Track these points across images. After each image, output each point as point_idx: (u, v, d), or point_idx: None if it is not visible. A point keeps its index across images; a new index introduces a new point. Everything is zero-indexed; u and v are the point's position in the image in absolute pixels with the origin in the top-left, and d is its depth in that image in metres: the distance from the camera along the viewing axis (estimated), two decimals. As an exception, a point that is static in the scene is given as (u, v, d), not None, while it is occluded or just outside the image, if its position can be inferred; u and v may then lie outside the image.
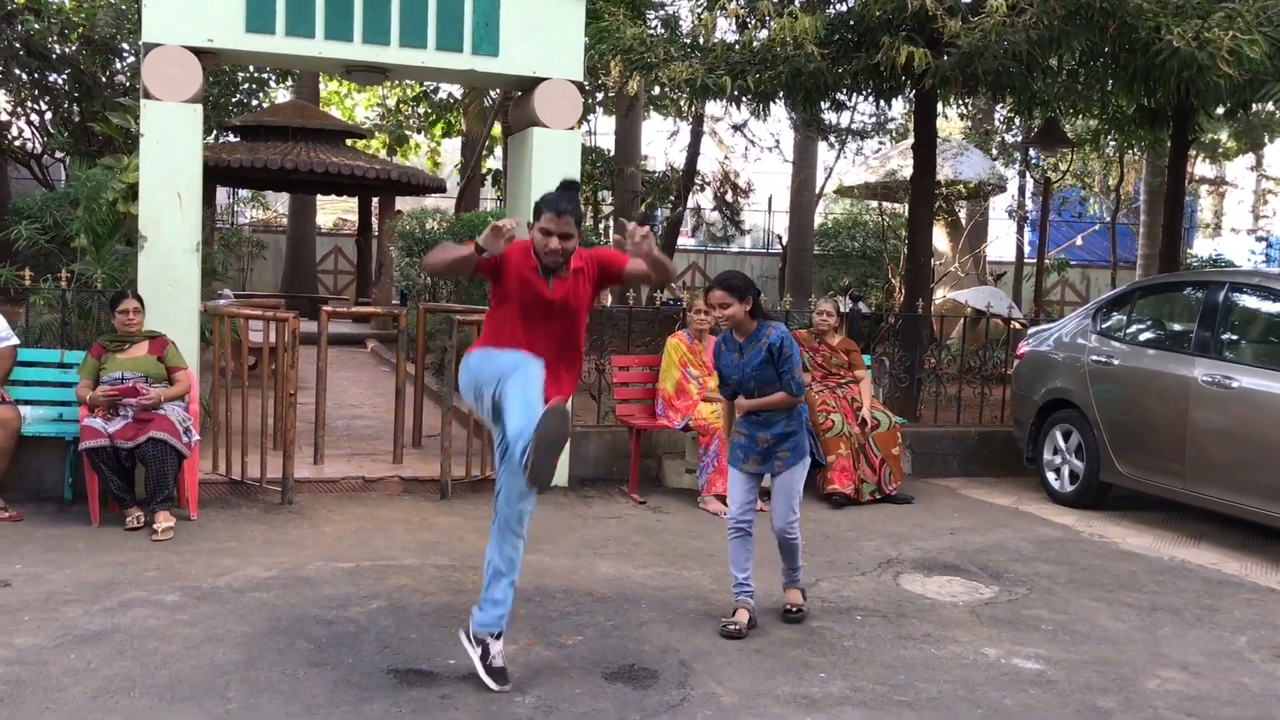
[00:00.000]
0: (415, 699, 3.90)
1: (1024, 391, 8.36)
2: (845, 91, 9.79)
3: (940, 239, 16.58)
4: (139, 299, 6.42)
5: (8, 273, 7.46)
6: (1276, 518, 6.33)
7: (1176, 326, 7.47)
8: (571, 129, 7.41)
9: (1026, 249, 18.69)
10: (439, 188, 17.65)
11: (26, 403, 6.56)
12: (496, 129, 18.27)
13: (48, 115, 14.82)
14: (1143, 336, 7.65)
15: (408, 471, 7.37)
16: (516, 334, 4.11)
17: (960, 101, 10.68)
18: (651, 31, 9.63)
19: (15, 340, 6.58)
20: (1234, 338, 6.92)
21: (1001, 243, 21.98)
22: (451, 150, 27.10)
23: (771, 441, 4.88)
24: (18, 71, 14.08)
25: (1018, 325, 11.54)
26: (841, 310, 8.21)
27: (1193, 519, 7.34)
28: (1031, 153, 16.78)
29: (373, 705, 3.82)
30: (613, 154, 17.99)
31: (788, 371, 4.78)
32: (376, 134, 22.91)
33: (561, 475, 7.44)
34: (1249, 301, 6.98)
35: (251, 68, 15.81)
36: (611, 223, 18.38)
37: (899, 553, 6.28)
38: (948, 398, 9.62)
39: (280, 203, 24.68)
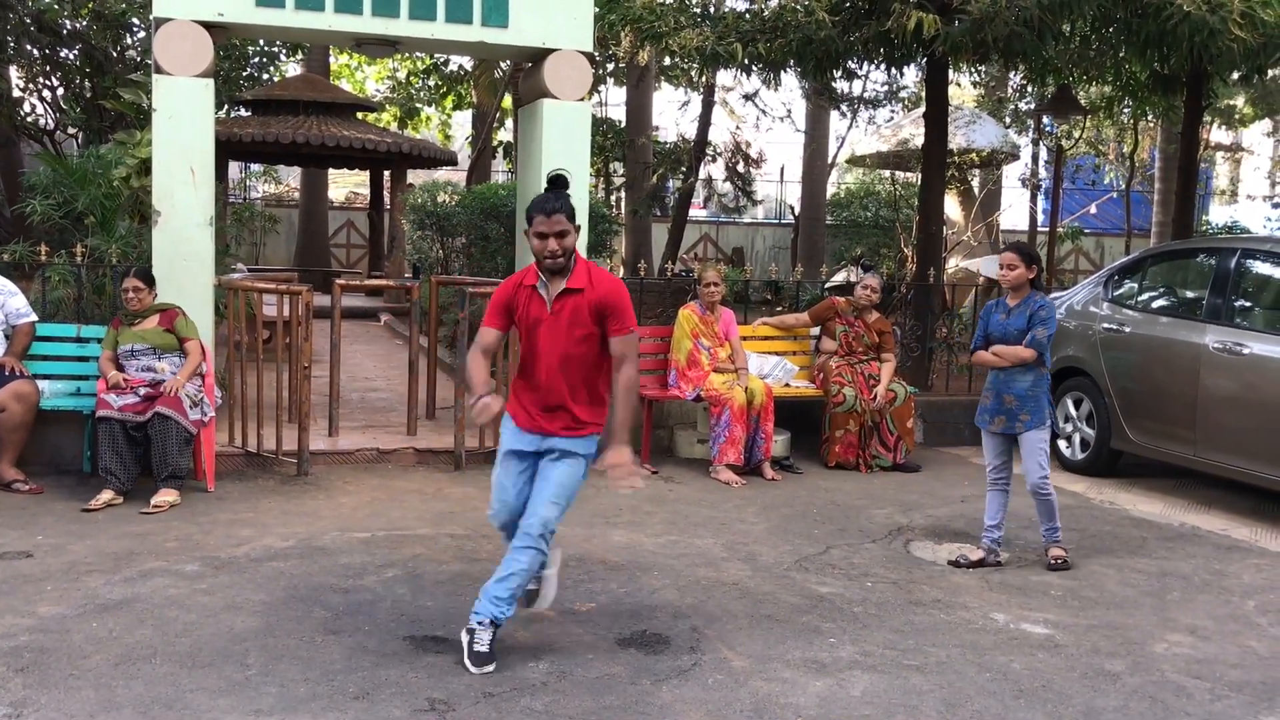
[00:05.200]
0: (430, 665, 3.96)
1: (1035, 360, 8.35)
2: (856, 59, 9.76)
3: (953, 208, 16.53)
4: (141, 277, 6.39)
5: (23, 248, 7.52)
6: (1287, 484, 6.35)
7: (1188, 293, 7.46)
8: (582, 100, 7.41)
9: (1040, 217, 18.61)
10: (450, 160, 17.64)
11: (45, 377, 6.64)
12: (507, 101, 18.26)
13: (60, 91, 14.85)
14: (1154, 304, 7.64)
15: (422, 443, 7.42)
16: (532, 366, 4.09)
17: (972, 69, 10.64)
18: (661, 0, 9.58)
19: (34, 317, 6.65)
20: (1245, 304, 6.91)
21: (1015, 211, 21.89)
22: (462, 123, 27.09)
23: (1015, 402, 5.38)
24: (29, 48, 14.10)
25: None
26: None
27: (1203, 485, 7.36)
28: (1044, 120, 16.67)
29: (389, 671, 3.89)
30: (624, 125, 17.93)
31: (1034, 327, 5.33)
32: (387, 107, 22.87)
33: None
34: (1261, 268, 6.97)
35: (262, 41, 15.81)
36: (624, 194, 18.35)
37: (909, 520, 6.32)
38: (959, 367, 9.63)
39: (292, 177, 24.69)
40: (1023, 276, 5.38)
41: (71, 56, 14.41)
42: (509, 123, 20.24)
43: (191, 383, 6.33)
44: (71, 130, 15.22)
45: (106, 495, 5.95)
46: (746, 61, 8.89)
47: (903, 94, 18.60)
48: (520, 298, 4.09)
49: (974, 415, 8.66)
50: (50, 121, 15.36)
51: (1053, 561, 5.45)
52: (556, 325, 4.01)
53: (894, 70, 11.08)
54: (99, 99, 12.87)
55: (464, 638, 4.00)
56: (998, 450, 5.52)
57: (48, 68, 14.49)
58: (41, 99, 15.28)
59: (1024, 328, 5.36)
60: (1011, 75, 16.55)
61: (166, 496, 5.98)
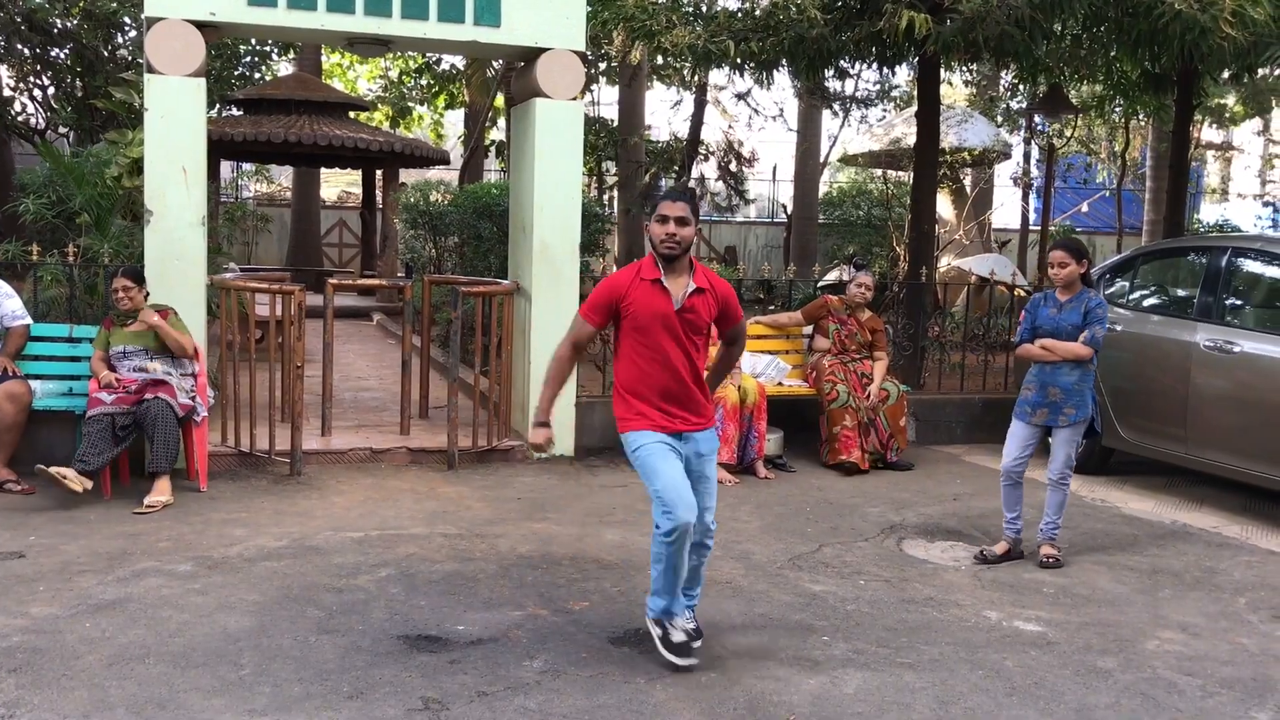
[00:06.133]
0: (424, 664, 3.96)
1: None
2: (848, 59, 9.76)
3: (945, 207, 16.54)
4: (130, 276, 6.38)
5: (14, 248, 7.50)
6: (1277, 481, 6.37)
7: (1179, 292, 7.49)
8: (574, 99, 7.41)
9: (1031, 216, 18.65)
10: (443, 160, 17.63)
11: (37, 377, 6.63)
12: (500, 100, 18.22)
13: (50, 90, 14.83)
14: (1145, 302, 7.67)
15: (414, 442, 7.42)
16: (654, 363, 4.04)
17: (964, 68, 10.66)
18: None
19: (29, 320, 6.65)
20: (1236, 303, 6.93)
21: (1006, 210, 21.94)
22: (455, 122, 27.03)
23: (1060, 395, 5.39)
24: (20, 47, 14.07)
25: (1022, 292, 11.54)
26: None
27: (1194, 483, 7.38)
28: (1036, 119, 16.70)
29: (382, 670, 3.89)
30: (616, 124, 17.94)
31: (1090, 325, 5.36)
32: (379, 106, 22.84)
33: (567, 445, 7.49)
34: (1251, 266, 7.00)
35: (254, 41, 15.79)
36: (616, 193, 18.37)
37: (902, 518, 6.33)
38: (952, 365, 9.65)
39: (284, 176, 24.67)
40: (1074, 273, 5.41)
41: (62, 56, 14.40)
42: (501, 122, 20.22)
43: (185, 380, 6.34)
44: (62, 130, 15.21)
45: (70, 472, 5.82)
46: (739, 60, 8.90)
47: (894, 93, 18.63)
48: (638, 292, 4.04)
49: (967, 413, 8.79)
50: (41, 121, 15.34)
51: (1044, 559, 5.47)
52: (682, 322, 4.04)
53: (886, 69, 11.11)
54: (90, 98, 12.86)
55: (658, 631, 4.10)
56: (1026, 443, 5.52)
57: (38, 67, 14.48)
58: (32, 98, 15.27)
59: (1078, 323, 5.38)
60: (1003, 74, 16.56)
61: (159, 496, 5.97)
